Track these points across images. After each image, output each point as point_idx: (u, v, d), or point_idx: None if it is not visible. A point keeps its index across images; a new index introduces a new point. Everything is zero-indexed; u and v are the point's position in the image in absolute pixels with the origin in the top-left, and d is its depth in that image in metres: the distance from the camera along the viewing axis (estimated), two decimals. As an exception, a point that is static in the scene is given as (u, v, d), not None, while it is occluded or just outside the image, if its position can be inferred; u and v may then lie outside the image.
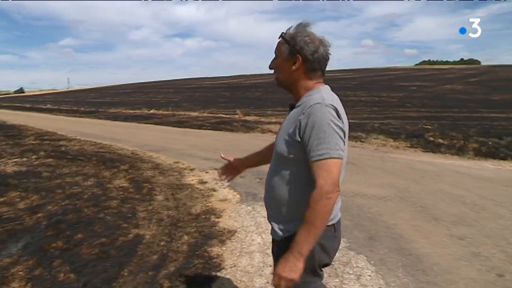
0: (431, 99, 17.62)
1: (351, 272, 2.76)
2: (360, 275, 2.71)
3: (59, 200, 4.35)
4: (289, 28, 1.34)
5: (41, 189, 4.80)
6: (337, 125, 1.20)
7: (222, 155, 1.86)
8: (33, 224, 3.64)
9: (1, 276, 2.67)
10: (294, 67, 1.31)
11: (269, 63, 1.41)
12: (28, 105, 34.47)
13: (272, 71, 1.42)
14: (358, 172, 5.45)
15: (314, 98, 1.25)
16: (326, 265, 1.39)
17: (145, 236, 3.38)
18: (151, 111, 18.18)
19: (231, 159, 1.83)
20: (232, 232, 3.45)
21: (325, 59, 1.33)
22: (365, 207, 4.13)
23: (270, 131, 9.55)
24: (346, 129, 1.29)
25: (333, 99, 1.29)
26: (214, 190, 4.82)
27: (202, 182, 5.21)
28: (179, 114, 15.95)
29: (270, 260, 2.90)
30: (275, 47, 1.38)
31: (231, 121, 11.61)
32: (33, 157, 7.18)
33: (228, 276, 2.73)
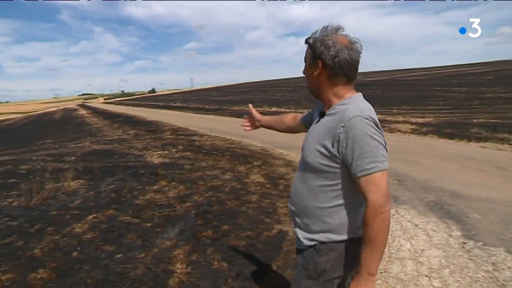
0: None
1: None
2: None
3: (203, 191, 4.86)
4: (315, 32, 1.33)
5: (185, 180, 5.45)
6: (379, 136, 1.21)
7: (250, 105, 1.99)
8: (184, 212, 4.15)
9: (167, 256, 3.10)
10: (315, 73, 1.32)
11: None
12: (160, 104, 40.04)
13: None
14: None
15: (352, 109, 1.24)
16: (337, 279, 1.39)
17: (288, 232, 3.48)
18: (273, 109, 18.89)
19: (255, 113, 1.94)
20: None
21: (349, 63, 1.28)
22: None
23: (399, 130, 8.98)
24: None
25: (370, 109, 1.27)
26: None
27: (336, 182, 5.15)
28: (302, 112, 16.03)
29: (424, 269, 2.74)
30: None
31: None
32: (173, 150, 8.26)
33: (379, 282, 2.63)
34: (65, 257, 3.22)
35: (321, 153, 1.28)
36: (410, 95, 18.90)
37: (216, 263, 2.98)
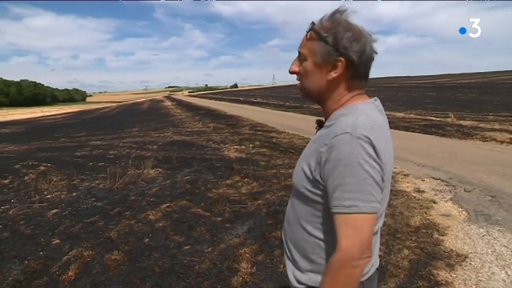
0: None
1: None
2: None
3: (276, 190, 4.84)
4: (322, 18, 1.04)
5: (259, 177, 5.49)
6: (373, 167, 0.92)
7: None
8: (255, 210, 4.16)
9: (233, 253, 3.13)
10: (334, 74, 1.02)
11: (291, 66, 1.12)
12: (241, 98, 41.35)
13: (294, 75, 1.13)
14: None
15: (344, 123, 0.97)
16: None
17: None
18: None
19: None
20: (462, 257, 3.02)
21: (372, 60, 1.03)
22: None
23: (494, 139, 7.97)
24: (389, 167, 1.00)
25: (373, 125, 0.97)
26: (434, 202, 4.34)
27: (418, 191, 4.76)
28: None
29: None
30: (302, 42, 1.09)
31: (442, 124, 10.39)
32: (250, 145, 8.41)
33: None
34: (138, 242, 3.45)
35: (306, 174, 1.04)
36: (510, 101, 16.77)
37: (282, 266, 2.92)
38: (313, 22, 1.06)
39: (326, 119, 1.11)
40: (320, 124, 1.15)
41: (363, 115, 1.00)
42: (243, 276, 2.78)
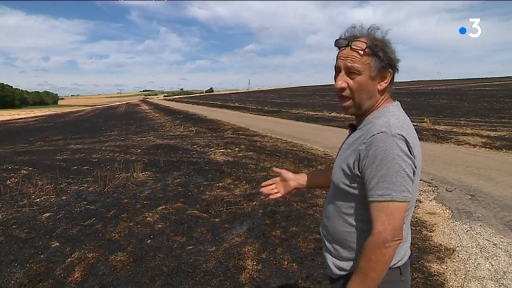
0: None
1: None
2: None
3: (269, 191, 4.92)
4: (361, 33, 1.16)
5: (250, 179, 5.57)
6: (405, 161, 1.06)
7: (275, 169, 1.63)
8: (251, 210, 4.25)
9: (237, 252, 3.20)
10: (384, 84, 1.18)
11: (339, 81, 1.17)
12: (219, 103, 41.31)
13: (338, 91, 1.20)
14: None
15: (379, 124, 1.12)
16: None
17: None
18: (333, 114, 18.61)
19: (286, 172, 1.59)
20: (450, 251, 3.24)
21: None
22: None
23: (468, 143, 8.45)
24: (418, 163, 1.13)
25: (403, 125, 1.12)
26: (419, 201, 4.59)
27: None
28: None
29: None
30: (345, 59, 1.15)
31: (419, 129, 10.85)
32: (236, 149, 8.48)
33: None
34: (140, 243, 3.46)
35: (344, 172, 1.18)
36: (479, 106, 17.73)
37: (286, 263, 3.03)
38: (355, 39, 1.15)
39: (358, 123, 1.24)
40: (352, 128, 1.28)
41: (393, 116, 1.15)
42: (250, 273, 2.86)
